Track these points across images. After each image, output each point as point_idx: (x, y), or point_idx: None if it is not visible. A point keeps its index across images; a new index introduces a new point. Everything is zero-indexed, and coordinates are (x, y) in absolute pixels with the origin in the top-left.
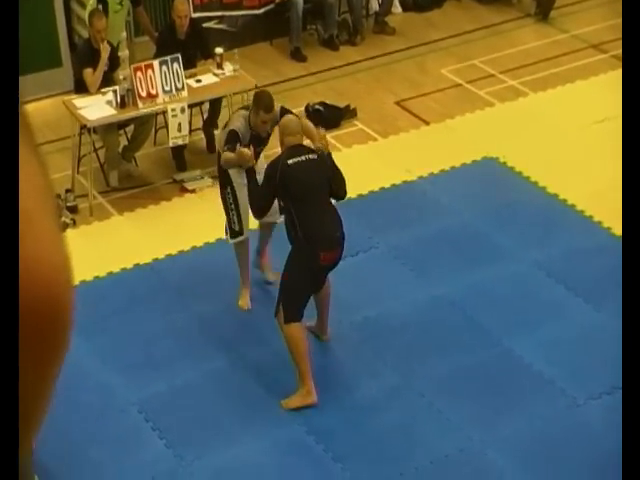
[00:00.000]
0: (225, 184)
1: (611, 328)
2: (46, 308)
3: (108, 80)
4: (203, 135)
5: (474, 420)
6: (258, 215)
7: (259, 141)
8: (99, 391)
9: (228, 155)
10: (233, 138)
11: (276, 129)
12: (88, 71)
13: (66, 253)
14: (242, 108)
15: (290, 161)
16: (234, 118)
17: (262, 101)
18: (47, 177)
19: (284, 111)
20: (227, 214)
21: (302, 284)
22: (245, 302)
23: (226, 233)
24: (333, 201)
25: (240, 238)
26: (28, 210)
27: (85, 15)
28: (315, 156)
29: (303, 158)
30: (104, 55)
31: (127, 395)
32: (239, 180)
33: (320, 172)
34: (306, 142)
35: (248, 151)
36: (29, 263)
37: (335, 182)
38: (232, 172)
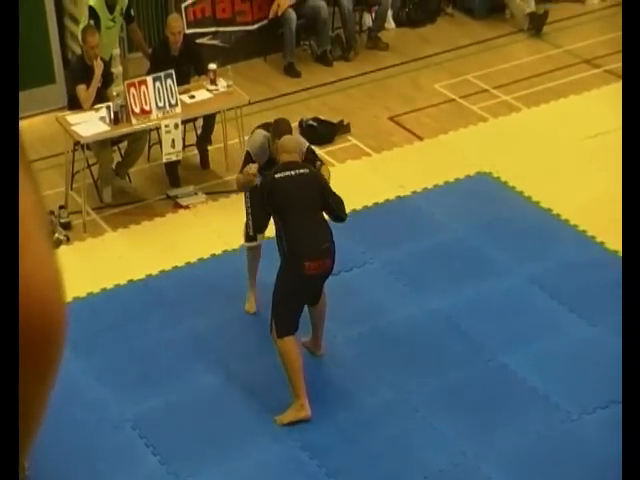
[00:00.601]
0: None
1: (605, 343)
2: (39, 323)
3: (101, 96)
4: (197, 151)
5: (468, 435)
6: (256, 228)
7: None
8: (93, 407)
9: (238, 178)
10: (246, 162)
11: None
12: (81, 87)
13: (58, 270)
14: (261, 127)
15: (277, 175)
16: (255, 138)
17: (280, 129)
18: (39, 194)
19: (310, 151)
20: (246, 217)
21: (291, 297)
22: (251, 306)
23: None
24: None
25: (253, 243)
26: (21, 227)
27: (78, 31)
28: (307, 171)
29: (293, 173)
30: (97, 72)
31: (121, 411)
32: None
33: (310, 186)
34: None
35: (252, 168)
36: (22, 279)
37: (333, 205)
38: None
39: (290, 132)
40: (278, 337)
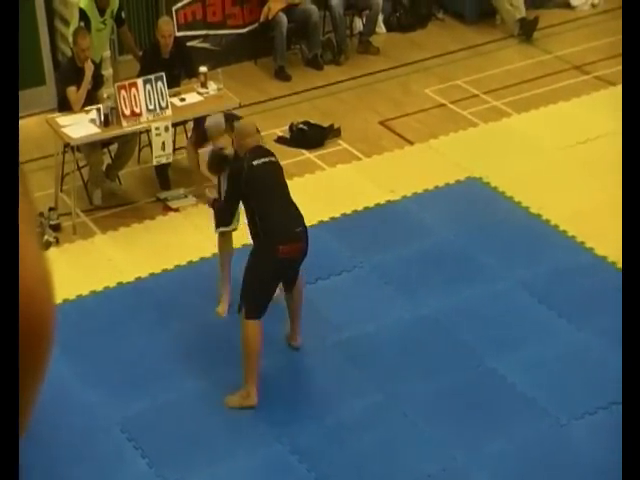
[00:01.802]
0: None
1: (594, 348)
2: (29, 320)
3: (92, 98)
4: (187, 154)
5: (457, 440)
6: (225, 221)
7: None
8: (81, 410)
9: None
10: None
11: None
12: (72, 89)
13: (47, 269)
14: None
15: (255, 162)
16: (216, 119)
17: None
18: (29, 195)
19: (229, 117)
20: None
21: (262, 280)
22: (223, 309)
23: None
24: None
25: (227, 228)
26: None
27: (68, 33)
28: (274, 158)
29: (266, 159)
30: (88, 74)
31: (110, 414)
32: None
33: (279, 173)
34: None
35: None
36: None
37: None
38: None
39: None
40: (246, 318)
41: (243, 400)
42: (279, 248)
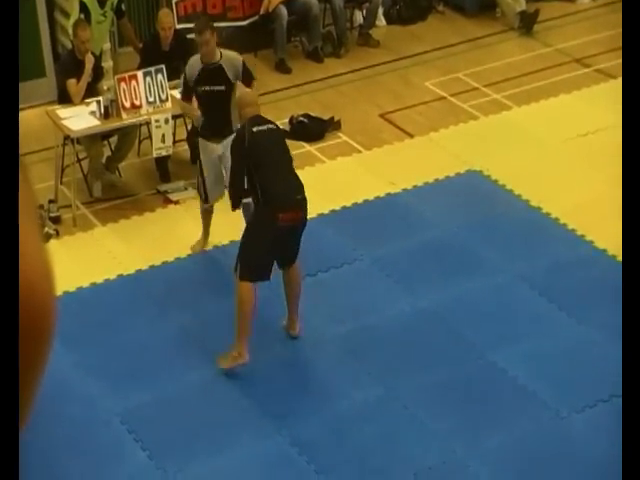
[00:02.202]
0: (197, 156)
1: (594, 341)
2: (29, 313)
3: (92, 91)
4: (187, 146)
5: (457, 432)
6: (236, 201)
7: (210, 77)
8: (82, 402)
9: (182, 105)
10: (184, 85)
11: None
12: (72, 81)
13: (48, 261)
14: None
15: (255, 129)
16: (189, 65)
17: (194, 25)
18: (29, 187)
19: (245, 65)
20: (196, 180)
21: (259, 243)
22: (197, 247)
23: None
24: None
25: (206, 205)
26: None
27: (69, 26)
28: (274, 126)
29: (265, 127)
30: (88, 66)
31: (110, 406)
32: (205, 157)
33: (280, 140)
34: None
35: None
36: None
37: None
38: (201, 150)
39: (203, 28)
40: (239, 279)
41: (234, 359)
42: (279, 216)
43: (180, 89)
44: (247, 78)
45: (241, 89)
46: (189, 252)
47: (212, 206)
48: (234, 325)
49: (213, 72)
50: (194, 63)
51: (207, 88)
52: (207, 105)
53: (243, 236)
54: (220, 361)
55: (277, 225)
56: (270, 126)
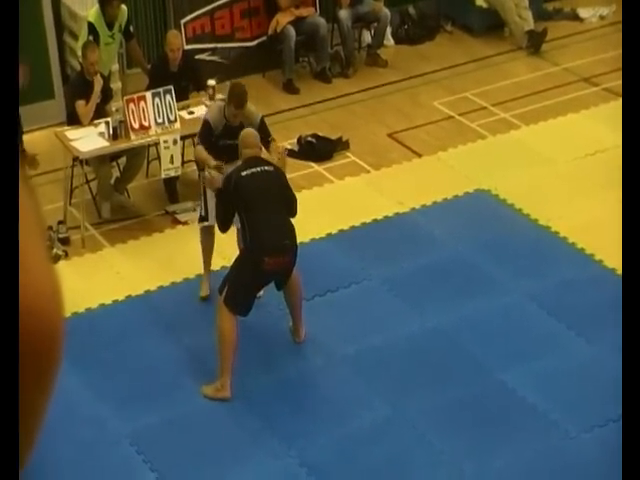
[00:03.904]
0: (201, 171)
1: (604, 360)
2: (37, 336)
3: (100, 112)
4: (195, 167)
5: (466, 452)
6: (221, 229)
7: (232, 133)
8: (91, 423)
9: (201, 154)
10: (206, 131)
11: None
12: (80, 103)
13: (57, 282)
14: (222, 99)
15: (244, 172)
16: (211, 107)
17: (233, 96)
18: (38, 208)
19: (263, 122)
20: (201, 199)
21: (243, 285)
22: (205, 291)
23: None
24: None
25: (205, 223)
26: (20, 240)
27: (77, 47)
28: (271, 168)
29: (258, 169)
30: (97, 88)
31: (119, 427)
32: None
33: (274, 183)
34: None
35: (216, 176)
36: (21, 290)
37: (288, 200)
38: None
39: (243, 99)
40: (223, 302)
41: (217, 392)
42: (264, 260)
43: (199, 132)
44: (264, 135)
45: (246, 129)
46: (197, 273)
47: (213, 228)
48: (218, 355)
49: (234, 128)
50: (218, 117)
51: (227, 142)
52: (223, 156)
53: (233, 262)
54: (204, 389)
55: (262, 268)
56: (266, 168)
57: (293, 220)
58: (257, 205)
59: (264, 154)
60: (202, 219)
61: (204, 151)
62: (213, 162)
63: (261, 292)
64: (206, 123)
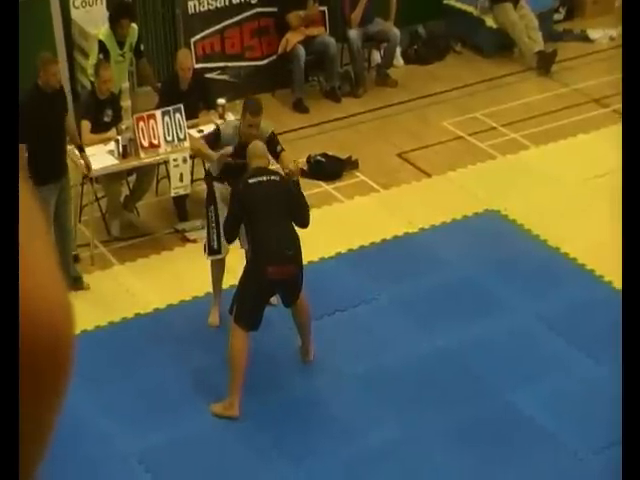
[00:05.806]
0: (210, 203)
1: (612, 382)
2: (46, 346)
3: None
4: (205, 185)
5: (475, 473)
6: (228, 238)
7: (244, 152)
8: (99, 441)
9: (197, 143)
10: (213, 136)
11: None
12: (85, 123)
13: (65, 292)
14: (237, 119)
15: (251, 180)
16: (227, 123)
17: (249, 105)
18: (45, 219)
19: (273, 136)
20: (208, 232)
21: (251, 297)
22: (214, 319)
23: (205, 250)
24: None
25: (217, 256)
26: (25, 250)
27: (88, 65)
28: (277, 178)
29: (264, 178)
30: (107, 135)
31: (127, 445)
32: (222, 202)
33: (279, 192)
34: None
35: (228, 150)
36: (27, 302)
37: (297, 209)
38: (217, 193)
39: (259, 108)
40: (234, 321)
41: (225, 410)
42: (267, 269)
43: (207, 133)
44: (273, 147)
45: (255, 142)
46: (207, 291)
47: (224, 258)
48: (229, 374)
49: (246, 146)
50: (231, 133)
51: (237, 160)
52: (232, 174)
53: (238, 284)
54: (213, 407)
55: (266, 278)
56: (272, 177)
57: (302, 236)
58: (261, 214)
59: (273, 166)
60: (214, 252)
61: (203, 144)
62: (209, 151)
63: (275, 301)
64: (217, 130)
